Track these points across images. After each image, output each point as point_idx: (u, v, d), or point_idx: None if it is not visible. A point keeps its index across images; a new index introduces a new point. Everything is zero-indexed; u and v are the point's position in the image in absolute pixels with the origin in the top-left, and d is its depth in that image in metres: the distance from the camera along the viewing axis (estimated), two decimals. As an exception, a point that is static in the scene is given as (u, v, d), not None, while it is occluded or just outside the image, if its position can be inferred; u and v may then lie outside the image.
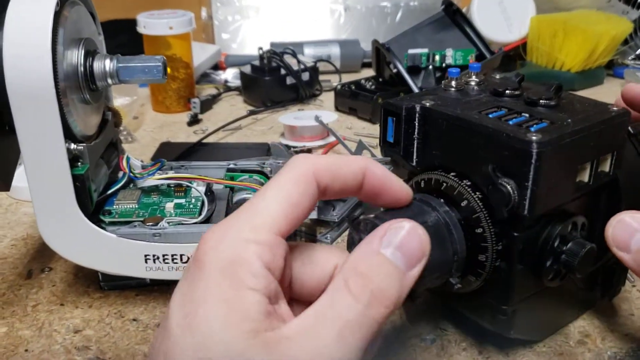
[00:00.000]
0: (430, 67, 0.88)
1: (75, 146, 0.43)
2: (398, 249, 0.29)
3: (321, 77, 1.02)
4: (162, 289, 0.50)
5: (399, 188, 0.34)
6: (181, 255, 0.45)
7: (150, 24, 0.89)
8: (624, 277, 0.46)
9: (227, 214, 0.51)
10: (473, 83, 0.42)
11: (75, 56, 0.44)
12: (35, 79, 0.40)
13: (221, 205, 0.52)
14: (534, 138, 0.33)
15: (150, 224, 0.46)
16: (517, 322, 0.39)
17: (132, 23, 0.91)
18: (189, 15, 0.91)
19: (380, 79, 0.93)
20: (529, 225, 0.36)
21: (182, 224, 0.46)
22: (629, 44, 1.08)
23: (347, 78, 1.03)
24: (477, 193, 0.36)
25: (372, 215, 0.33)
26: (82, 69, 0.44)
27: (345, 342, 0.27)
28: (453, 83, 0.42)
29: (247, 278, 0.28)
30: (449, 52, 0.88)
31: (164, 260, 0.45)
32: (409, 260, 0.29)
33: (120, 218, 0.47)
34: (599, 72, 1.04)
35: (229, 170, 0.56)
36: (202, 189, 0.51)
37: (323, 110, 0.93)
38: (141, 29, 0.90)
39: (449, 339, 0.44)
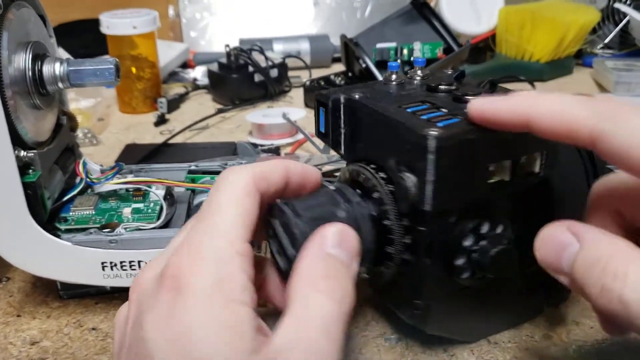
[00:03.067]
0: (399, 60, 0.88)
1: (25, 153, 0.42)
2: (340, 247, 0.32)
3: (291, 73, 1.01)
4: (123, 296, 0.49)
5: (315, 176, 0.36)
6: (139, 262, 0.44)
7: (113, 24, 0.87)
8: None
9: (187, 216, 0.50)
10: (418, 78, 0.42)
11: (22, 60, 0.42)
12: (-22, 86, 0.38)
13: (181, 208, 0.50)
14: (432, 133, 0.33)
15: (107, 230, 0.45)
16: (433, 318, 0.39)
17: (98, 23, 0.90)
18: (153, 14, 0.89)
19: (350, 74, 0.93)
20: (435, 220, 0.35)
21: (140, 229, 0.45)
22: (597, 33, 1.09)
23: (317, 73, 1.02)
24: (390, 186, 0.36)
25: (282, 201, 0.35)
26: (30, 73, 0.43)
27: (332, 337, 0.28)
28: (393, 77, 0.41)
29: (237, 294, 0.28)
30: (417, 46, 0.88)
31: (122, 267, 0.44)
32: (350, 255, 0.32)
33: (76, 225, 0.46)
34: (568, 62, 1.04)
35: (190, 172, 0.55)
36: (162, 192, 0.49)
37: (292, 107, 0.92)
38: (104, 29, 0.88)
39: (414, 338, 0.43)
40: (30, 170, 0.42)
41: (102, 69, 0.44)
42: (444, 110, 0.36)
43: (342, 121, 0.40)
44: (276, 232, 0.35)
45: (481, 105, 0.33)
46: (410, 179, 0.34)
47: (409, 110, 0.37)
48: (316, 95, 0.40)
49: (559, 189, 0.38)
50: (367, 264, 0.37)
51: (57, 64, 0.44)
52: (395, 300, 0.42)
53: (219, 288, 0.28)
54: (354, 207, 0.36)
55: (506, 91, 0.39)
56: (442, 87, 0.39)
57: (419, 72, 0.42)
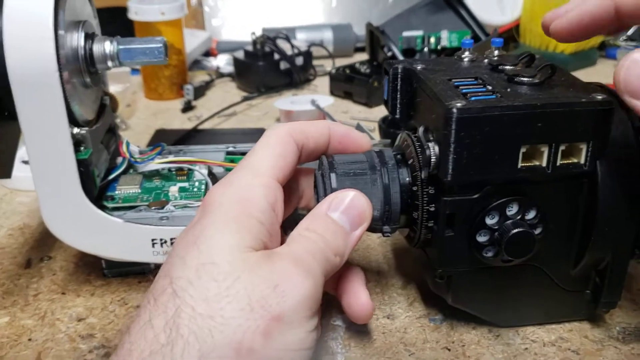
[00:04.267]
0: (426, 49, 0.88)
1: (78, 130, 0.42)
2: (343, 213, 0.35)
3: (314, 62, 1.01)
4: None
5: (360, 139, 0.40)
6: (187, 240, 0.44)
7: (141, 9, 0.87)
8: (620, 287, 0.40)
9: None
10: (495, 58, 0.42)
11: (75, 39, 0.43)
12: (39, 63, 0.39)
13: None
14: (455, 104, 0.33)
15: (156, 207, 0.45)
16: (455, 290, 0.40)
17: (121, 11, 0.90)
18: (181, 0, 0.90)
19: (375, 63, 0.93)
20: (459, 192, 0.36)
21: (189, 207, 0.46)
22: (621, 24, 1.08)
23: (339, 63, 1.02)
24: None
25: (329, 157, 0.39)
26: (82, 52, 0.43)
27: (318, 261, 0.33)
28: (466, 54, 0.42)
29: (254, 211, 0.33)
30: (444, 34, 0.88)
31: (171, 244, 0.44)
32: (352, 222, 0.36)
33: (123, 203, 0.47)
34: (591, 53, 1.04)
35: (228, 153, 0.55)
36: (205, 171, 0.50)
37: (318, 94, 0.92)
38: (132, 15, 0.88)
39: (458, 318, 0.44)
40: (82, 148, 0.43)
41: (152, 47, 0.45)
42: (489, 87, 0.37)
43: (398, 89, 0.42)
44: (316, 182, 0.39)
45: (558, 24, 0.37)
46: (433, 148, 0.35)
47: (455, 83, 0.37)
48: (384, 63, 0.43)
49: (609, 188, 0.37)
50: (393, 225, 0.39)
51: (107, 43, 0.44)
52: (423, 266, 0.43)
53: (237, 204, 0.33)
54: (388, 170, 0.39)
55: (566, 74, 0.39)
56: (503, 67, 0.39)
57: (495, 52, 0.42)
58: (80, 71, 0.44)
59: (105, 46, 0.44)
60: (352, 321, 0.40)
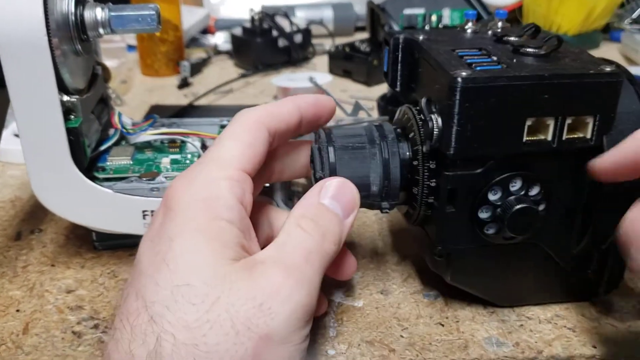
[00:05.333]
0: (427, 27, 0.86)
1: (68, 98, 0.41)
2: (334, 199, 0.34)
3: (314, 41, 1.00)
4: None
5: (330, 105, 0.38)
6: (178, 212, 0.44)
7: (137, -17, 0.86)
8: (622, 268, 0.41)
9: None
10: (498, 30, 0.41)
11: (65, 4, 0.42)
12: (26, 26, 0.38)
13: (218, 162, 0.50)
14: (460, 73, 0.32)
15: (147, 179, 0.44)
16: (454, 268, 0.39)
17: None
18: (178, -25, 0.88)
19: (375, 41, 0.91)
20: (460, 167, 0.35)
21: (180, 179, 0.45)
22: (625, 7, 1.07)
23: (339, 42, 1.01)
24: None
25: (326, 130, 0.38)
26: (72, 17, 0.42)
27: (312, 264, 0.31)
28: (468, 25, 0.42)
29: (222, 211, 0.30)
30: (446, 12, 0.86)
31: (161, 216, 0.44)
32: (344, 208, 0.34)
33: (115, 174, 0.46)
34: (595, 35, 1.03)
35: (222, 127, 0.54)
36: (198, 144, 0.49)
37: (316, 72, 0.91)
38: (128, -11, 0.87)
39: (453, 295, 0.43)
40: (72, 116, 0.42)
41: (144, 14, 0.43)
42: (494, 57, 0.35)
43: (399, 60, 0.40)
44: (313, 156, 0.38)
45: (600, 164, 0.34)
46: (436, 120, 0.34)
47: (459, 54, 0.36)
48: (385, 34, 0.41)
49: None
50: (392, 201, 0.38)
51: (99, 9, 0.43)
52: (421, 243, 0.42)
53: (203, 205, 0.30)
54: (388, 144, 0.37)
55: (573, 47, 0.38)
56: (507, 38, 0.38)
57: (499, 24, 0.41)
58: (71, 38, 0.42)
59: (97, 12, 0.43)
60: (338, 279, 0.40)
